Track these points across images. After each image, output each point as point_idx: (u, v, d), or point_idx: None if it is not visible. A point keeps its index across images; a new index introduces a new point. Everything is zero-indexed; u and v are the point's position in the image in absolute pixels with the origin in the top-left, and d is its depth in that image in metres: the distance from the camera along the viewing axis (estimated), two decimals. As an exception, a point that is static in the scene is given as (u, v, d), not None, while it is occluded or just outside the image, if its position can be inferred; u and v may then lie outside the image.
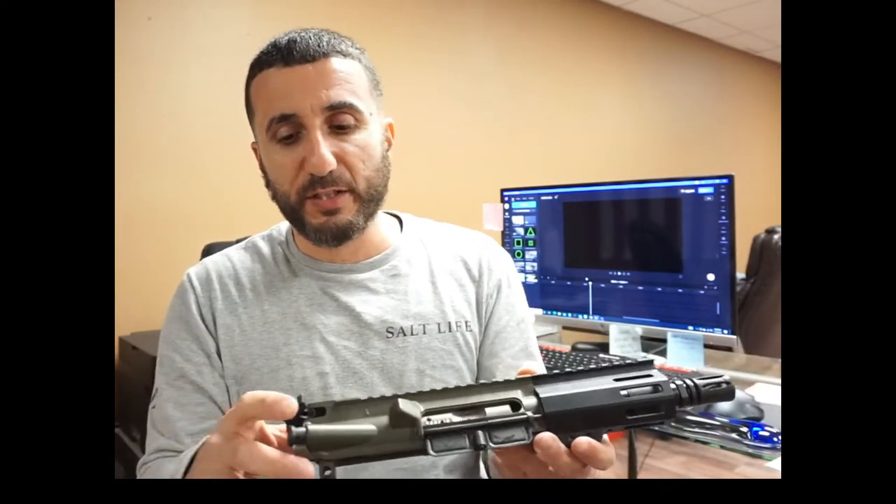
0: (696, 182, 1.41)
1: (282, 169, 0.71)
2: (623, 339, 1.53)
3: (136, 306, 1.93)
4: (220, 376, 0.75)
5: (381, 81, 0.78)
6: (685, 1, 3.61)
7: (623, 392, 0.48)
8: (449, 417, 0.46)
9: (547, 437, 0.46)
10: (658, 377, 0.49)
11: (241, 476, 0.46)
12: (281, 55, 0.70)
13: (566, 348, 1.60)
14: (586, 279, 1.62)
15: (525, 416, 0.46)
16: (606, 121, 3.66)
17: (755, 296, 2.61)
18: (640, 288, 1.52)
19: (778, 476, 0.48)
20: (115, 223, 1.69)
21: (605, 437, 0.49)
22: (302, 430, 0.43)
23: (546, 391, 0.48)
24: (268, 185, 0.76)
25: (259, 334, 0.75)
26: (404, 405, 0.45)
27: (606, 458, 0.48)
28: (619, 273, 1.56)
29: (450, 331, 0.78)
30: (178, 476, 0.55)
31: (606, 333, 1.56)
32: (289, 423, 0.44)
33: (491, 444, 0.45)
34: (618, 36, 3.70)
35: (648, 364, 0.50)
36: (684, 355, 1.41)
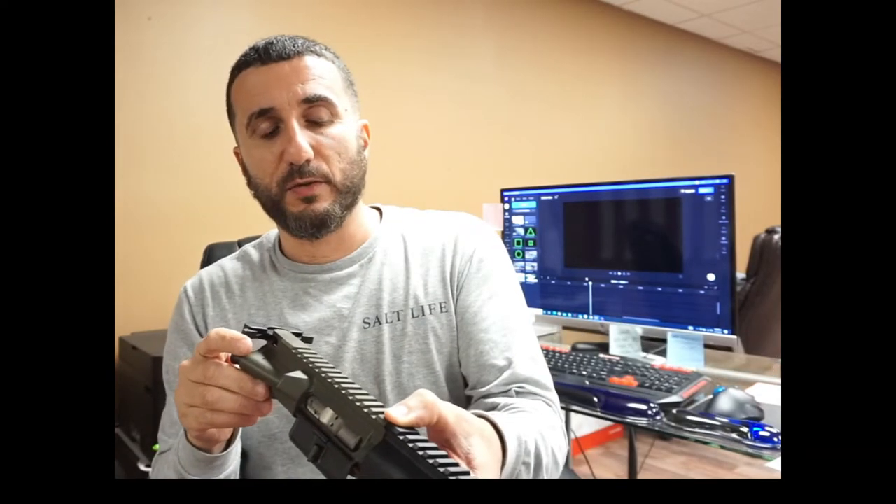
0: (696, 182, 1.41)
1: (261, 163, 0.74)
2: (623, 339, 1.53)
3: (137, 306, 1.93)
4: None
5: (356, 84, 0.81)
6: (685, 1, 3.61)
7: None
8: (323, 413, 0.45)
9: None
10: None
11: (208, 396, 0.53)
12: (258, 55, 0.73)
13: (566, 348, 1.60)
14: (586, 279, 1.62)
15: (354, 460, 0.42)
16: (606, 121, 3.66)
17: (755, 296, 2.61)
18: (641, 288, 1.52)
19: (778, 476, 0.48)
20: (116, 223, 1.69)
21: None
22: (241, 358, 0.53)
23: (380, 453, 0.41)
24: (249, 183, 0.79)
25: None
26: (285, 382, 0.48)
27: None
28: (620, 273, 1.56)
29: (423, 315, 0.79)
30: (182, 440, 0.62)
31: (606, 333, 1.56)
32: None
33: (316, 462, 0.45)
34: (618, 36, 3.69)
35: None
36: (684, 355, 1.41)
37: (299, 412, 0.47)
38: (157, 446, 0.79)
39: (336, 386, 0.45)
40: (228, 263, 0.86)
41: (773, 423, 1.05)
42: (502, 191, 1.81)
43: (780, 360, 1.53)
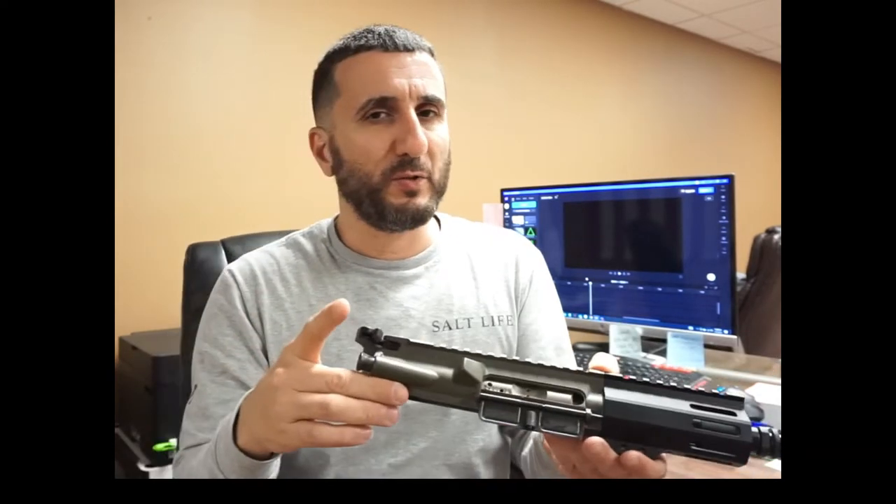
0: (696, 182, 1.41)
1: (367, 149, 0.72)
2: (623, 339, 1.53)
3: (137, 306, 1.93)
4: (264, 373, 0.74)
5: None
6: (685, 1, 3.61)
7: (695, 420, 0.45)
8: (510, 389, 0.47)
9: (596, 442, 0.46)
10: (741, 418, 0.46)
11: (332, 406, 0.46)
12: (381, 41, 0.73)
13: (566, 348, 1.60)
14: (586, 279, 1.62)
15: (583, 412, 0.46)
16: (606, 121, 3.66)
17: (755, 296, 2.61)
18: (641, 288, 1.52)
19: (778, 476, 0.48)
20: (116, 223, 1.69)
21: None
22: (371, 358, 0.47)
23: (614, 394, 0.46)
24: (339, 167, 0.76)
25: None
26: (469, 366, 0.47)
27: (654, 474, 0.47)
28: (620, 273, 1.56)
29: (493, 325, 0.81)
30: (229, 432, 0.56)
31: (606, 333, 1.56)
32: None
33: (540, 428, 0.46)
34: (618, 36, 3.69)
35: (738, 401, 0.47)
36: (684, 355, 1.41)
37: (484, 393, 0.47)
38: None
39: (514, 360, 0.48)
40: (277, 251, 0.81)
41: (773, 423, 1.05)
42: (502, 191, 1.81)
43: (780, 360, 1.52)
